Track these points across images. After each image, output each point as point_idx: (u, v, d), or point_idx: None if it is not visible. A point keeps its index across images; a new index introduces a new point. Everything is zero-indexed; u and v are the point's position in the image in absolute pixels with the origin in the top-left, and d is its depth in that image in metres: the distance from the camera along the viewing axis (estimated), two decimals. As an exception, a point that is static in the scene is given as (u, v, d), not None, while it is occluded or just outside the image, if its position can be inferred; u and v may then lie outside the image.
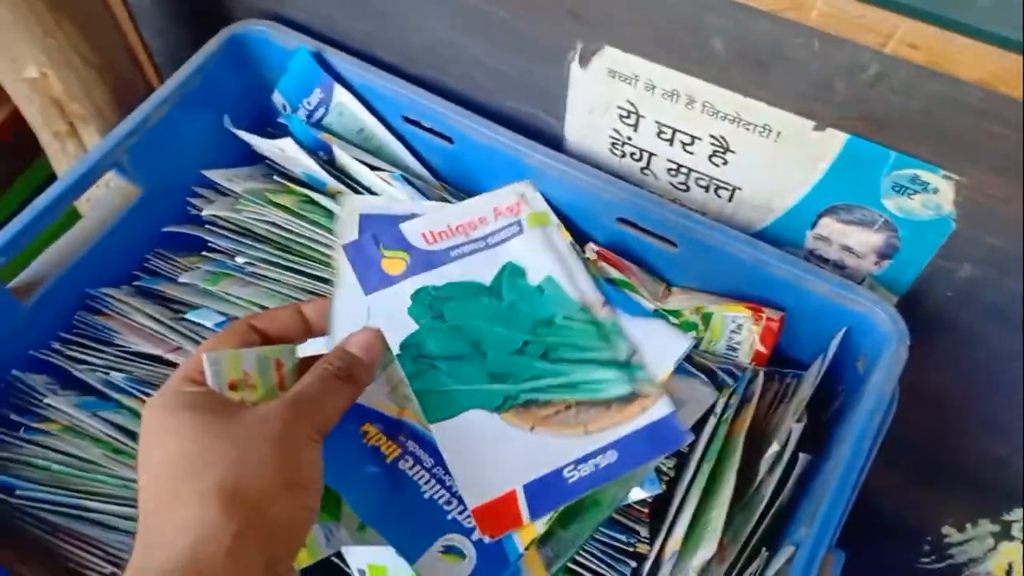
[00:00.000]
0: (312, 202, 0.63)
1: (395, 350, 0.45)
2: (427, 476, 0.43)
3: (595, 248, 0.60)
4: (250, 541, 0.32)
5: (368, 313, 0.46)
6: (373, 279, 0.47)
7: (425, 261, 0.48)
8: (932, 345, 0.58)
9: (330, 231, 0.61)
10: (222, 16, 0.73)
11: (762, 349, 0.58)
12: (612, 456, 0.44)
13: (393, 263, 0.47)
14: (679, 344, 0.47)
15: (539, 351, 0.46)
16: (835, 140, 0.51)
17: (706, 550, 0.49)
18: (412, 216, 0.51)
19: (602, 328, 0.48)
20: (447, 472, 0.43)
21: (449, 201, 0.64)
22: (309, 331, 0.42)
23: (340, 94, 0.65)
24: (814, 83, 0.48)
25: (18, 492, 0.53)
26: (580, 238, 0.61)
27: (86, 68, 0.60)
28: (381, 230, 0.47)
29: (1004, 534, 0.72)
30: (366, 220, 0.50)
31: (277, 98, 0.68)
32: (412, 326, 0.46)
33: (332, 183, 0.63)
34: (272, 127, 0.70)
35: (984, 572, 0.79)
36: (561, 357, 0.46)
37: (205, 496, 0.32)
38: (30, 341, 0.58)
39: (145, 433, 0.35)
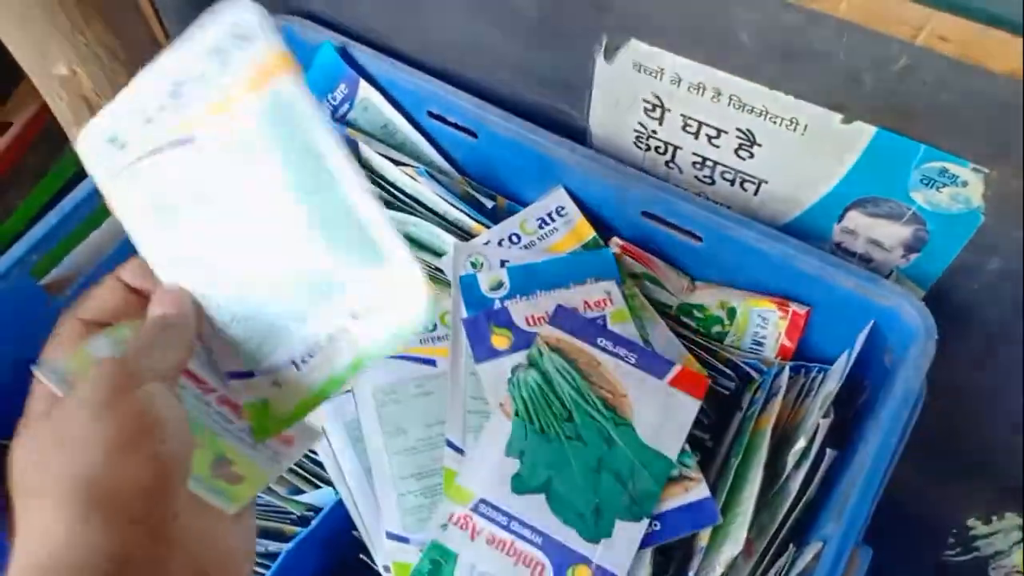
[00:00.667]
0: (337, 197, 0.63)
1: (495, 411, 0.53)
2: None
3: (619, 243, 0.60)
4: (92, 523, 0.30)
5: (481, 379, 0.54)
6: (484, 351, 0.55)
7: (525, 340, 0.55)
8: (959, 339, 0.58)
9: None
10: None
11: (788, 343, 0.58)
12: (656, 525, 0.51)
13: (500, 339, 0.55)
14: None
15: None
16: (863, 133, 0.50)
17: (732, 546, 0.49)
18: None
19: None
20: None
21: (474, 196, 0.64)
22: (141, 298, 0.37)
23: (364, 89, 0.65)
24: (842, 76, 0.48)
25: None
26: (604, 232, 0.61)
27: (114, 64, 0.61)
28: (493, 311, 0.56)
29: (1031, 527, 0.72)
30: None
31: (301, 93, 0.68)
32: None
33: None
34: (296, 122, 0.70)
35: (1011, 565, 0.79)
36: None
37: (49, 492, 0.31)
38: (62, 336, 0.59)
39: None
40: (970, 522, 0.76)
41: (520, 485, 0.51)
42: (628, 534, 0.50)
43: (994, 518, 0.74)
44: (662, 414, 0.53)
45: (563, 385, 0.53)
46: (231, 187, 0.35)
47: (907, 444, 0.53)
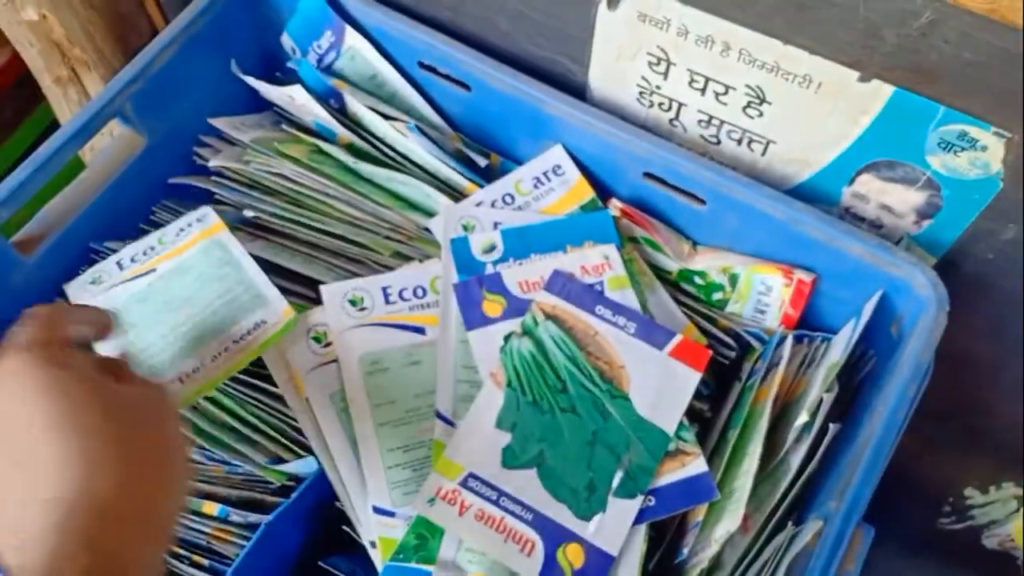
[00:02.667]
0: (323, 152, 0.60)
1: (486, 380, 0.51)
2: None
3: (618, 204, 0.58)
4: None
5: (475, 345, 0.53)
6: (475, 318, 0.53)
7: (518, 308, 0.53)
8: (968, 308, 0.56)
9: (342, 184, 0.59)
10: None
11: (792, 312, 0.56)
12: (651, 500, 0.49)
13: (492, 306, 0.53)
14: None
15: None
16: (880, 92, 0.47)
17: (729, 522, 0.47)
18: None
19: None
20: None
21: (467, 153, 0.61)
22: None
23: (352, 38, 0.62)
24: (861, 31, 0.45)
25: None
26: (603, 193, 0.58)
27: (87, 10, 0.57)
28: (486, 276, 0.54)
29: (1029, 498, 0.71)
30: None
31: (286, 40, 0.65)
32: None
33: (343, 132, 0.60)
34: (281, 72, 0.67)
35: (1005, 534, 0.78)
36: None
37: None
38: (33, 297, 0.56)
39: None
40: (967, 491, 0.75)
41: (511, 459, 0.49)
42: (622, 511, 0.48)
43: (991, 488, 0.73)
44: (661, 386, 0.51)
45: (558, 355, 0.51)
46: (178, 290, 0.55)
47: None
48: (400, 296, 0.55)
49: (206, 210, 0.58)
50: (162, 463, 0.36)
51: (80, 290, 0.56)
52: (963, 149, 0.48)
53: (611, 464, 0.49)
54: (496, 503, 0.48)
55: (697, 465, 0.50)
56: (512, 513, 0.48)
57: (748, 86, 0.51)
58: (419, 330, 0.54)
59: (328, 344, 0.53)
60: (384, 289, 0.55)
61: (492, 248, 0.54)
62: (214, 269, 0.55)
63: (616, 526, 0.48)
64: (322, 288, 0.54)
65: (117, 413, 0.34)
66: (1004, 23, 0.40)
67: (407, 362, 0.53)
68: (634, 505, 0.48)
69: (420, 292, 0.55)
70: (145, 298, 0.54)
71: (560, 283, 0.53)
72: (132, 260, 0.57)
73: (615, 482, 0.49)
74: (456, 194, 0.59)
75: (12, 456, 0.32)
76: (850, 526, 0.43)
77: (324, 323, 0.53)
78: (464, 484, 0.48)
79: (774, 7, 0.47)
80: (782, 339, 0.55)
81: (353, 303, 0.54)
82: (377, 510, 0.48)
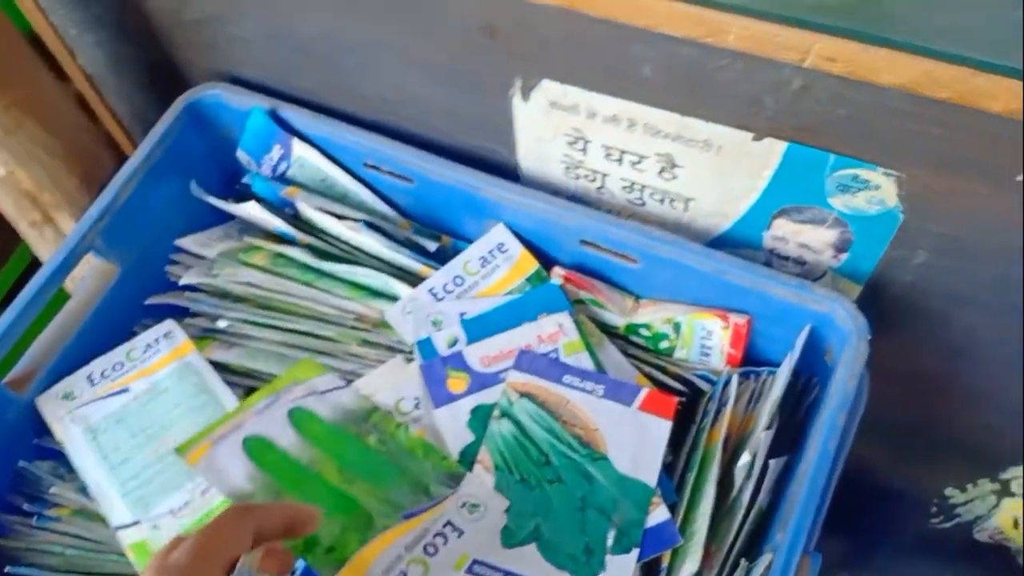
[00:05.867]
0: (285, 256, 0.64)
1: (455, 456, 0.55)
2: None
3: (561, 272, 0.61)
4: None
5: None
6: (441, 395, 0.57)
7: (481, 382, 0.57)
8: (902, 327, 0.59)
9: (304, 282, 0.63)
10: (181, 78, 0.75)
11: (734, 352, 0.59)
12: None
13: (456, 382, 0.57)
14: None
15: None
16: (775, 148, 0.51)
17: (691, 564, 0.50)
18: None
19: None
20: None
21: (415, 242, 0.66)
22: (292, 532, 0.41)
23: (299, 148, 0.66)
24: (744, 99, 0.49)
25: (36, 580, 0.55)
26: (546, 262, 0.62)
27: (51, 159, 0.62)
28: (449, 356, 0.59)
29: (1004, 491, 0.73)
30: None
31: (242, 155, 0.70)
32: (469, 437, 0.55)
33: (302, 235, 0.65)
34: (240, 185, 0.71)
35: (993, 527, 0.80)
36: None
37: None
38: (32, 430, 0.61)
39: None
40: (947, 491, 0.77)
41: (510, 538, 0.52)
42: (620, 566, 0.51)
43: (969, 486, 0.75)
44: (635, 441, 0.54)
45: (536, 430, 0.54)
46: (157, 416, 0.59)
47: (870, 430, 0.54)
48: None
49: (171, 324, 0.63)
50: None
51: (53, 405, 0.59)
52: (859, 190, 0.51)
53: (603, 524, 0.52)
54: None
55: (660, 513, 0.53)
56: None
57: (658, 154, 0.56)
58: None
59: None
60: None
61: (455, 342, 0.58)
62: (191, 399, 0.59)
63: None
64: None
65: None
66: (863, 82, 0.44)
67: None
68: (631, 559, 0.51)
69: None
70: (121, 419, 0.58)
71: (527, 360, 0.57)
72: (103, 375, 0.61)
73: (609, 541, 0.51)
74: (413, 278, 0.63)
75: None
76: (795, 555, 0.46)
77: None
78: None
79: (665, 87, 0.51)
80: (728, 378, 0.58)
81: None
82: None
